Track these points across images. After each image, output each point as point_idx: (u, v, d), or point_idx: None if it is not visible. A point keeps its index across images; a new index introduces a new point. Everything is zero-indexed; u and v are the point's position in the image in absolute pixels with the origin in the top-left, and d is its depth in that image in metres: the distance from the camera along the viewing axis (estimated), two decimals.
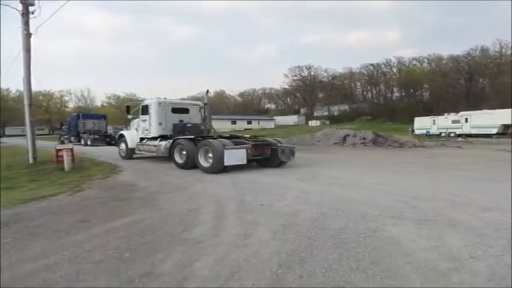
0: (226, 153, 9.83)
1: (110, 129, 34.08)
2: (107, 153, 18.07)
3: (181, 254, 3.59)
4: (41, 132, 70.69)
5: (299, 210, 5.40)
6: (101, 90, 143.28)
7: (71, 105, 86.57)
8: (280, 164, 11.49)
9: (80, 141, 31.13)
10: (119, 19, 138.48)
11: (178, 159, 11.50)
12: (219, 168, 9.95)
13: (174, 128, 13.25)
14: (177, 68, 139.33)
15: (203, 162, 10.50)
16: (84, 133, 31.43)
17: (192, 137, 11.52)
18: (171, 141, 12.03)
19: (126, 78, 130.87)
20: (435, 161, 13.58)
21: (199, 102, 14.93)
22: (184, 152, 11.24)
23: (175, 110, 13.75)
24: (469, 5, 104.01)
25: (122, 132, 16.38)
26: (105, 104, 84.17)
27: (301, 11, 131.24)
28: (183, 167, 11.16)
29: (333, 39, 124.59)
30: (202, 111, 14.22)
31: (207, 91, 14.45)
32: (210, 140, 10.55)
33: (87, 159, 14.81)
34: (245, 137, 12.14)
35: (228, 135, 12.71)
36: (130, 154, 14.85)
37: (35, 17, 12.52)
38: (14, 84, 77.35)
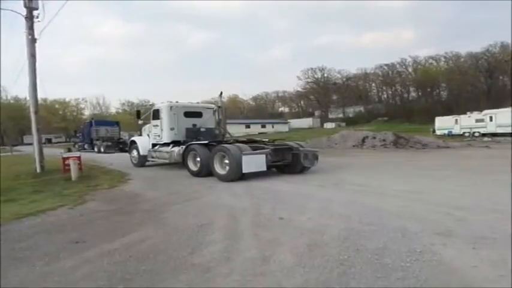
0: (244, 159, 8.96)
1: (125, 136, 33.89)
2: (119, 160, 17.64)
3: None
4: (58, 140, 72.16)
5: (324, 225, 4.64)
6: (115, 97, 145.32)
7: (86, 112, 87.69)
8: (302, 170, 10.58)
9: (93, 148, 31.05)
10: (132, 25, 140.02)
11: (192, 167, 10.81)
12: (237, 175, 9.14)
13: (187, 132, 12.60)
14: (190, 73, 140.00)
15: (219, 169, 9.73)
16: (98, 140, 31.29)
17: (206, 142, 10.76)
18: (183, 147, 11.39)
19: (140, 85, 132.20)
20: (466, 163, 12.56)
21: (212, 105, 14.27)
22: (198, 159, 10.52)
23: (187, 114, 13.12)
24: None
25: (133, 138, 15.87)
26: (120, 111, 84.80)
27: (314, 12, 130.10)
28: (197, 174, 10.46)
29: (346, 41, 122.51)
30: (216, 114, 13.58)
31: (221, 93, 13.70)
32: (226, 145, 9.72)
33: (97, 167, 14.38)
34: (263, 141, 11.38)
35: (244, 140, 12.00)
36: (142, 161, 14.29)
37: (39, 21, 12.23)
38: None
